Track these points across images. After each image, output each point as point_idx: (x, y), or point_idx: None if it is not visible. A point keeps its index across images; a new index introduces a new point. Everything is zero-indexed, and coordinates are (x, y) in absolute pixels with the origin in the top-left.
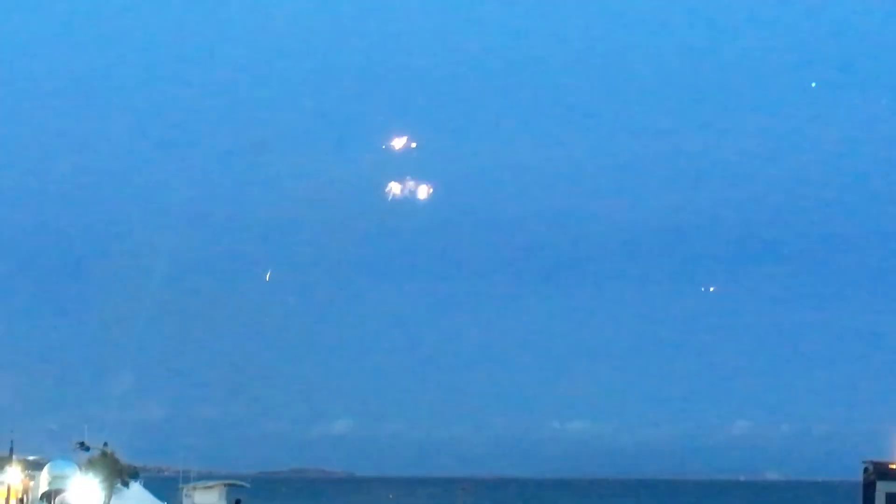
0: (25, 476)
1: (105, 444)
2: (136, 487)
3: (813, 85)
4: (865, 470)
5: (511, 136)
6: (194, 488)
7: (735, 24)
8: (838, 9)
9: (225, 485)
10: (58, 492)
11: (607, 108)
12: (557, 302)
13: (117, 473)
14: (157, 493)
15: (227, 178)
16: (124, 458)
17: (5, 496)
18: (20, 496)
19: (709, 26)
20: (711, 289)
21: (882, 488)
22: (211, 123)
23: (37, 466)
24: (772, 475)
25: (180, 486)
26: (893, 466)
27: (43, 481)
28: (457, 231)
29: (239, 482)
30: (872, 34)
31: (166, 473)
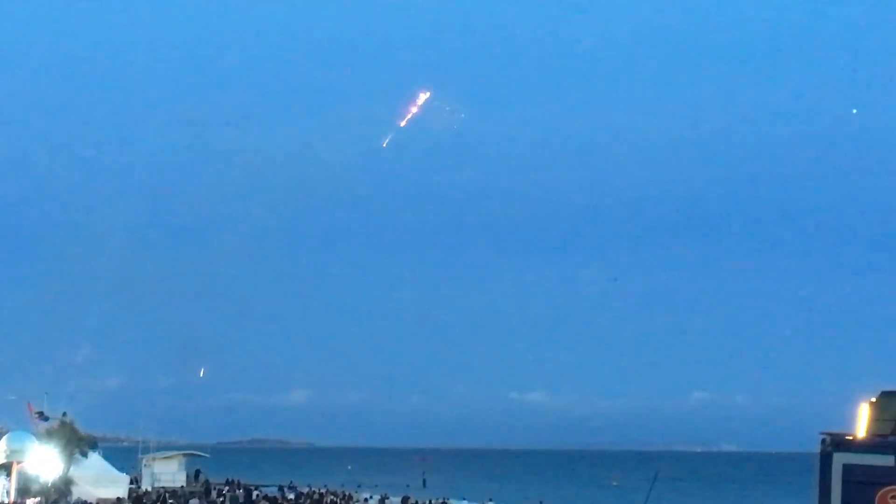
0: None
1: (64, 414)
2: (95, 457)
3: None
4: (823, 441)
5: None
6: (154, 458)
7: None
8: None
9: (184, 455)
10: (16, 463)
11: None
12: (517, 275)
13: (76, 443)
14: (116, 464)
15: (181, 146)
16: (83, 428)
17: None
18: None
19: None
20: (615, 279)
21: (838, 459)
22: (161, 90)
23: None
24: (728, 446)
25: (139, 456)
26: (850, 437)
27: (0, 453)
28: (416, 205)
29: (198, 452)
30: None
31: (125, 444)
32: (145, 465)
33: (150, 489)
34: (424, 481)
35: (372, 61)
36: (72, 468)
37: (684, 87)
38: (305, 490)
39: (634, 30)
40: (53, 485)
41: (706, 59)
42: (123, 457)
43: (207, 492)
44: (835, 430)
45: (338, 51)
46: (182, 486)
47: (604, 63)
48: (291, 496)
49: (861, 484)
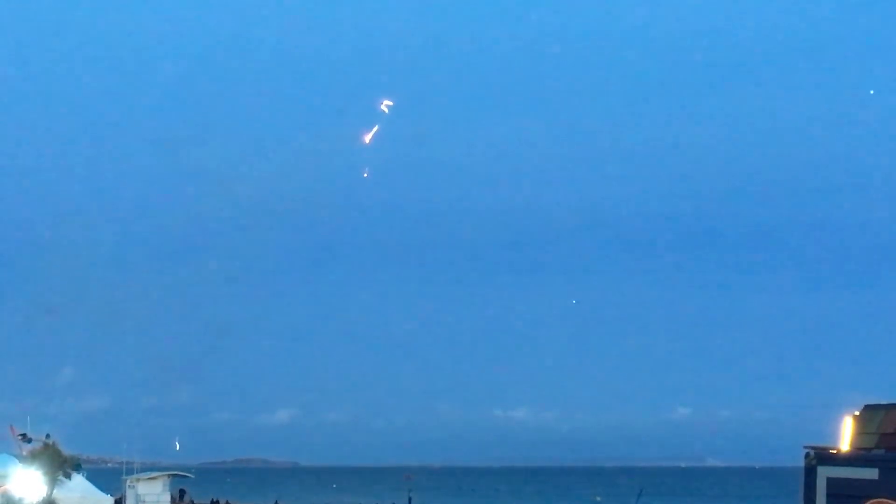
0: None
1: (47, 436)
2: (78, 479)
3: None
4: (807, 455)
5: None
6: (137, 479)
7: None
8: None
9: (168, 476)
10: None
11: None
12: (500, 292)
13: (60, 465)
14: (100, 485)
15: (164, 169)
16: (67, 450)
17: None
18: None
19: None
20: (574, 301)
21: (823, 473)
22: (146, 112)
23: None
24: (712, 461)
25: (123, 477)
26: (834, 451)
27: None
28: (398, 223)
29: (182, 473)
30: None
31: (110, 465)
32: (129, 487)
33: None
34: (410, 500)
35: (341, 79)
36: (56, 490)
37: (670, 98)
38: None
39: (612, 43)
40: None
41: (691, 71)
42: (108, 478)
43: None
44: (819, 443)
45: (308, 70)
46: None
47: (586, 79)
48: None
49: (846, 497)
